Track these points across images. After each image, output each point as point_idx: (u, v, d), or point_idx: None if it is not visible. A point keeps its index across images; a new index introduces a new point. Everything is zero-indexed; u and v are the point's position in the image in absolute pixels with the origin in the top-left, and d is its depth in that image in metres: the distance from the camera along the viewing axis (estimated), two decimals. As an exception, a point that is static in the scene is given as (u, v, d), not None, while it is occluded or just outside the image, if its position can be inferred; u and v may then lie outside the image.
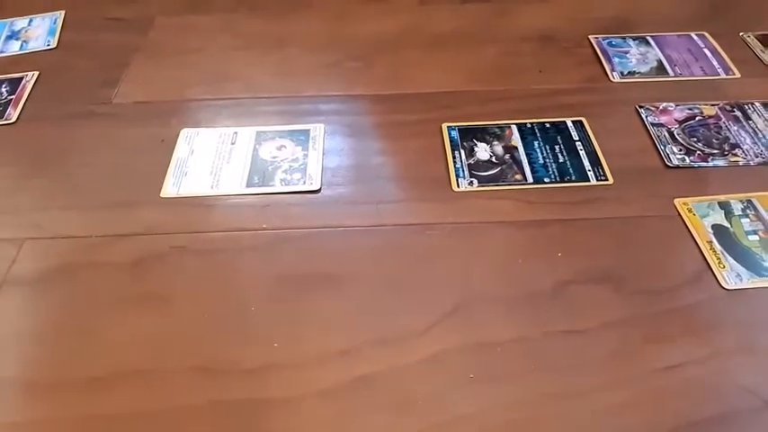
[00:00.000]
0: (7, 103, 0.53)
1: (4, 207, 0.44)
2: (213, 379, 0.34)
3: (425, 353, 0.35)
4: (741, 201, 0.42)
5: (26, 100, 0.53)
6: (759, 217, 0.41)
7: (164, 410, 0.33)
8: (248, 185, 0.45)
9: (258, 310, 0.38)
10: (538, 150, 0.47)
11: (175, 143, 0.48)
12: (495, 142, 0.47)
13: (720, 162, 0.45)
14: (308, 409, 0.33)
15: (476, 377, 0.34)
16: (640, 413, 0.32)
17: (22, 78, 0.55)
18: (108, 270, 0.40)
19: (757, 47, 0.56)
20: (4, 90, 0.54)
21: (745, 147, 0.46)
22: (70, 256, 0.41)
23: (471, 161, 0.46)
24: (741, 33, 0.58)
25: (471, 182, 0.45)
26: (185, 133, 0.49)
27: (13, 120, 0.51)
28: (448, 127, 0.49)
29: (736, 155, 0.46)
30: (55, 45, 0.59)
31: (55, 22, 0.62)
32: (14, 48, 0.59)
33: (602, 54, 0.56)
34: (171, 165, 0.47)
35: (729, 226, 0.41)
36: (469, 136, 0.48)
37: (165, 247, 0.41)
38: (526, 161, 0.46)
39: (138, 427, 0.32)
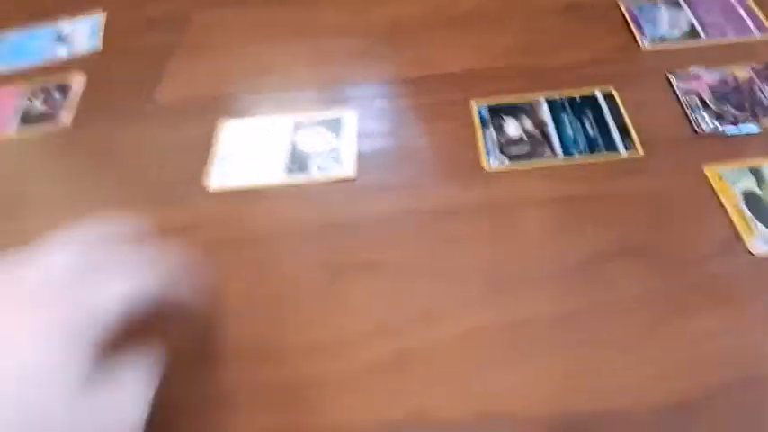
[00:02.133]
0: (61, 108, 0.56)
1: (64, 208, 0.48)
2: (268, 361, 0.37)
3: (460, 329, 0.37)
4: (773, 165, 0.42)
5: (78, 104, 0.56)
6: (791, 181, 0.41)
7: (221, 394, 0.36)
8: (288, 175, 0.48)
9: (306, 297, 0.40)
10: (568, 125, 0.47)
11: (217, 137, 0.51)
12: (525, 118, 0.48)
13: (752, 127, 0.45)
14: (345, 387, 0.36)
15: (510, 354, 0.36)
16: (671, 385, 0.34)
17: (71, 83, 0.59)
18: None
19: (794, 1, 0.55)
20: (57, 95, 0.57)
21: (778, 109, 0.46)
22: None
23: (502, 139, 0.47)
24: (777, -12, 0.57)
25: (502, 161, 0.46)
26: (226, 126, 0.52)
27: (68, 124, 0.55)
28: (477, 106, 0.50)
29: (768, 118, 0.46)
30: (99, 48, 0.62)
31: (97, 25, 0.65)
32: (63, 52, 0.63)
33: (632, 20, 0.55)
34: (214, 158, 0.49)
35: (760, 192, 0.41)
36: (499, 114, 0.49)
37: (213, 239, 0.44)
38: (556, 137, 0.47)
39: (196, 412, 0.36)
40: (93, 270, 0.26)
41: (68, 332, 0.23)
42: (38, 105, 0.57)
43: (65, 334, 0.23)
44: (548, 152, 0.46)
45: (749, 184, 0.41)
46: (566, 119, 0.48)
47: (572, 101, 0.49)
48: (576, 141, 0.46)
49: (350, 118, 0.51)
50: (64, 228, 0.30)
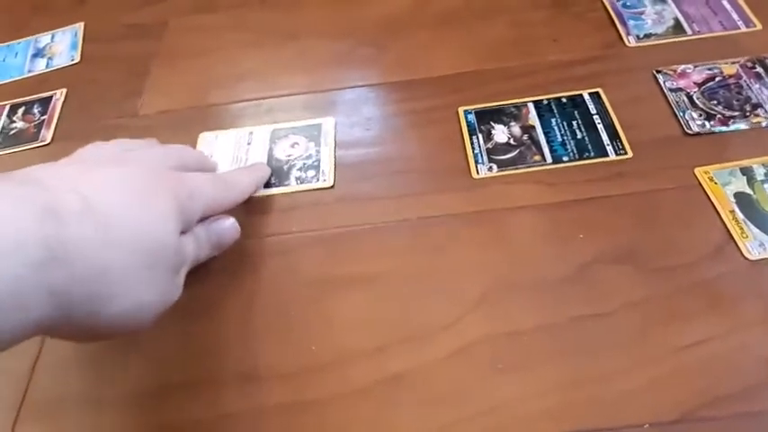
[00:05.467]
0: (41, 124, 0.55)
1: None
2: (257, 385, 0.37)
3: (454, 346, 0.37)
4: (764, 165, 0.42)
5: (58, 119, 0.55)
6: (782, 180, 0.41)
7: (212, 419, 0.36)
8: (266, 187, 0.47)
9: (295, 315, 0.40)
10: (556, 128, 0.47)
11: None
12: (513, 123, 0.48)
13: (742, 125, 0.45)
14: (344, 410, 0.35)
15: (504, 367, 0.35)
16: (665, 393, 0.34)
17: (51, 97, 0.57)
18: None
19: (780, -8, 0.55)
20: (36, 111, 0.56)
21: (767, 106, 0.46)
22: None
23: (490, 145, 0.46)
24: (762, -21, 0.56)
25: (491, 167, 0.45)
26: (204, 138, 0.51)
27: (48, 141, 0.53)
28: (465, 111, 0.49)
29: (758, 115, 0.45)
30: (78, 59, 0.61)
31: (76, 35, 0.64)
32: (41, 66, 0.61)
33: (617, 17, 0.55)
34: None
35: (752, 193, 0.41)
36: (486, 118, 0.48)
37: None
38: (544, 140, 0.46)
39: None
40: (181, 167, 0.38)
41: (176, 197, 0.33)
42: (18, 122, 0.55)
43: (174, 197, 0.33)
44: (537, 157, 0.45)
45: (741, 184, 0.41)
46: (554, 122, 0.47)
47: (559, 102, 0.48)
48: (564, 145, 0.46)
49: (329, 124, 0.50)
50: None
